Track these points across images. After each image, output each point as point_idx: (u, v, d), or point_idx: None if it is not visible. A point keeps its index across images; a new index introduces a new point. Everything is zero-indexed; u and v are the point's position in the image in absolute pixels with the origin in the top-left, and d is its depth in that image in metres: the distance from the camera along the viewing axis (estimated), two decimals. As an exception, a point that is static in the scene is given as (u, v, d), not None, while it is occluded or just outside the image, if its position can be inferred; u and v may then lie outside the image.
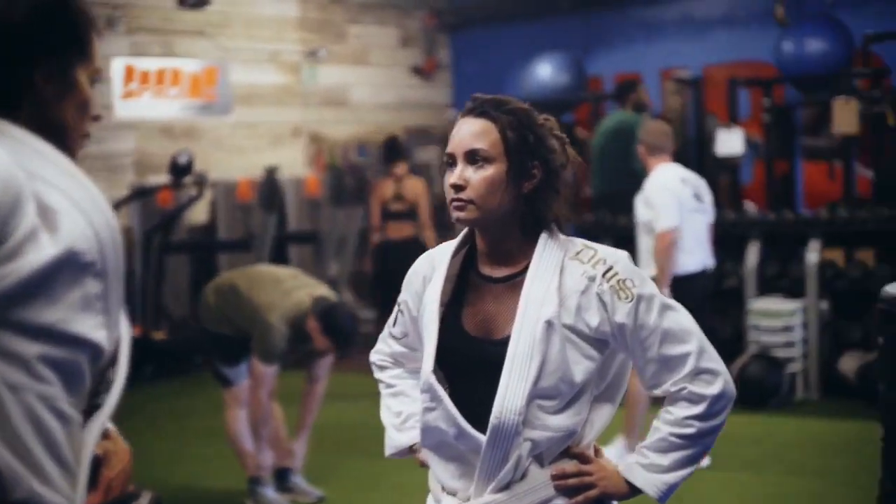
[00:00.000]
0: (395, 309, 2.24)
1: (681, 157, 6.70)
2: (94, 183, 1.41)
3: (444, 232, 8.61)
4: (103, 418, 1.47)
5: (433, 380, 2.04)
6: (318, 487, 5.19)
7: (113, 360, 1.49)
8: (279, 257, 8.73)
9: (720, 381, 2.02)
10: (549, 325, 1.97)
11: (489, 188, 2.01)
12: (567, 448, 2.03)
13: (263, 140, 9.98)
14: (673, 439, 2.03)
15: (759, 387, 6.55)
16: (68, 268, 1.33)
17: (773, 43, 8.16)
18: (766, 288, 7.14)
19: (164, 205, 8.57)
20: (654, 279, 3.90)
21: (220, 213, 9.17)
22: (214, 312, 4.91)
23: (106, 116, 8.26)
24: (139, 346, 7.02)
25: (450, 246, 2.16)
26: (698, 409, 2.01)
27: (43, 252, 1.31)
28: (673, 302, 2.05)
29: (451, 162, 2.06)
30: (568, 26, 10.34)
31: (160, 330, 8.42)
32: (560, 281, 2.00)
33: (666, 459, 2.03)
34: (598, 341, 2.01)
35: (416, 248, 7.25)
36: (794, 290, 7.03)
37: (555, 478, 2.02)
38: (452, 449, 2.05)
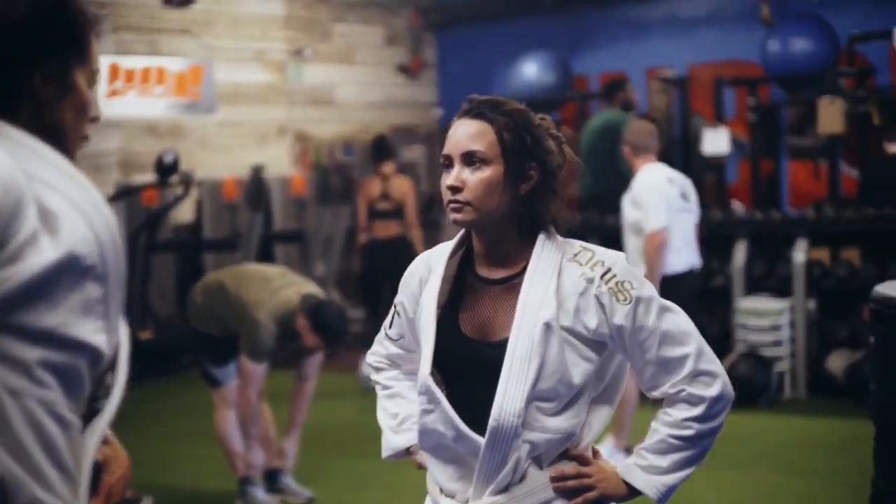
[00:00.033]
0: (392, 310, 2.24)
1: (666, 157, 6.71)
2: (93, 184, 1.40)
3: (431, 231, 8.61)
4: (104, 423, 1.46)
5: (431, 382, 2.03)
6: (308, 488, 5.17)
7: (112, 365, 1.48)
8: (265, 257, 8.70)
9: (719, 383, 2.02)
10: (548, 327, 1.96)
11: (486, 190, 2.00)
12: (566, 450, 2.03)
13: (249, 139, 9.96)
14: (672, 441, 2.03)
15: (748, 386, 6.57)
16: (69, 271, 1.32)
17: (759, 42, 8.18)
18: (753, 287, 7.17)
19: (150, 204, 8.53)
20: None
21: (205, 212, 9.13)
22: (203, 312, 4.90)
23: (91, 115, 8.20)
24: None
25: (447, 247, 2.15)
26: (697, 410, 2.01)
27: (43, 256, 1.29)
28: (671, 304, 2.04)
29: (448, 163, 2.05)
30: (554, 25, 10.35)
31: (146, 330, 8.38)
32: (558, 283, 2.00)
33: (665, 461, 2.04)
34: (596, 343, 2.01)
35: (403, 247, 7.19)
36: (781, 289, 7.07)
37: (554, 480, 2.02)
38: (451, 451, 2.04)
